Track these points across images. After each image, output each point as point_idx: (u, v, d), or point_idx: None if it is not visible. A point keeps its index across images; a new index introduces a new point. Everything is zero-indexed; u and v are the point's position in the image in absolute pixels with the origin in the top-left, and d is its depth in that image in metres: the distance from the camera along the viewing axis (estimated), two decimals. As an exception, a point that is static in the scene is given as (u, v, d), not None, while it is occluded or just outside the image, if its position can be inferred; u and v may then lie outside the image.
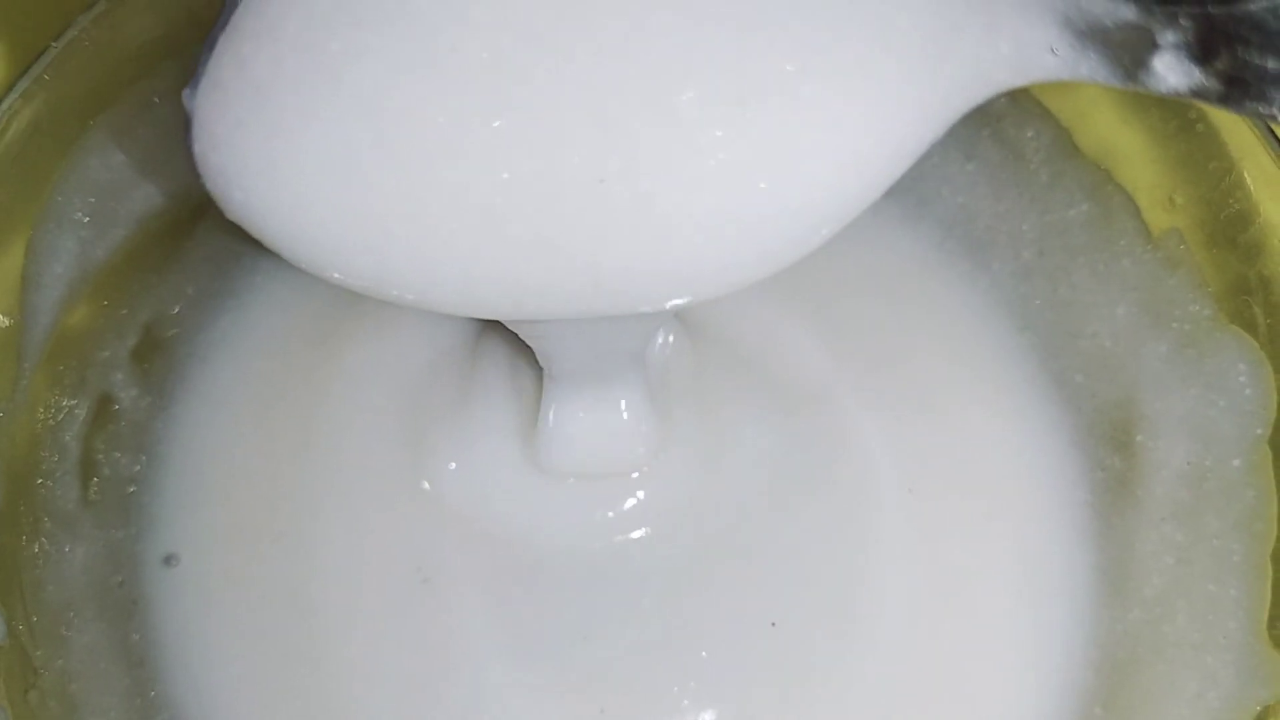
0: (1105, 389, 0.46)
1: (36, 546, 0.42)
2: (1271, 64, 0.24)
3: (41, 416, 0.42)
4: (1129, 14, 0.25)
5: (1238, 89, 0.24)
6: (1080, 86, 0.43)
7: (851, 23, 0.28)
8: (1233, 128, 0.41)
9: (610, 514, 0.45)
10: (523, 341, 0.45)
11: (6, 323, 0.40)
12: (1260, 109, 0.24)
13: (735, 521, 0.45)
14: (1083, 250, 0.46)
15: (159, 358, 0.46)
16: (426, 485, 0.45)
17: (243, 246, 0.47)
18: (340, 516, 0.45)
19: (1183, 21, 0.24)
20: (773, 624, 0.44)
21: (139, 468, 0.45)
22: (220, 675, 0.44)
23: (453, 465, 0.45)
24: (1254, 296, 0.42)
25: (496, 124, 0.27)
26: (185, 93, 0.28)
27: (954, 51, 0.28)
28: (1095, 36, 0.26)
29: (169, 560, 0.45)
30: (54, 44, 0.39)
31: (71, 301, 0.42)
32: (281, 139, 0.28)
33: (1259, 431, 0.42)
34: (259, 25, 0.28)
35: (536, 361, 0.45)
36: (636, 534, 0.45)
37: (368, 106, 0.28)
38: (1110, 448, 0.46)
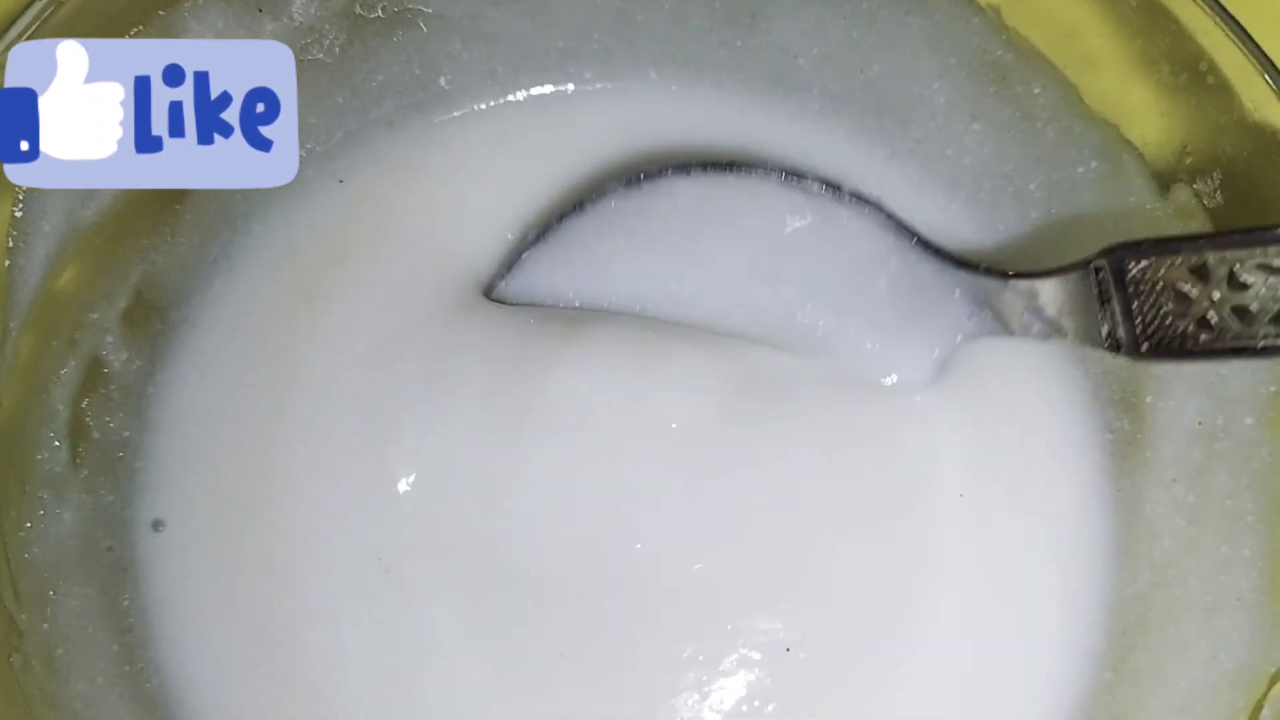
0: (1114, 349, 0.45)
1: (23, 509, 0.42)
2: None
3: (30, 378, 0.42)
4: (999, 303, 0.42)
5: (1062, 328, 0.41)
6: (1085, 38, 0.43)
7: (849, 325, 0.44)
8: (1245, 80, 0.40)
9: (597, 515, 0.42)
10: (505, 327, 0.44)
11: (-7, 279, 0.40)
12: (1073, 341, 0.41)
13: (737, 532, 0.43)
14: (1092, 208, 0.45)
15: (150, 321, 0.45)
16: (388, 468, 0.43)
17: (235, 210, 0.46)
18: (304, 491, 0.43)
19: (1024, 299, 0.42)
20: (787, 650, 0.42)
21: (129, 432, 0.45)
22: (204, 645, 0.43)
23: (417, 452, 0.43)
24: (1267, 252, 0.41)
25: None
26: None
27: (915, 329, 0.44)
28: (991, 311, 0.43)
29: (157, 525, 0.44)
30: (40, -3, 0.39)
31: (60, 261, 0.41)
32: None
33: (1271, 388, 0.41)
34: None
35: (517, 348, 0.44)
36: (627, 546, 0.42)
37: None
38: (1120, 409, 0.45)
